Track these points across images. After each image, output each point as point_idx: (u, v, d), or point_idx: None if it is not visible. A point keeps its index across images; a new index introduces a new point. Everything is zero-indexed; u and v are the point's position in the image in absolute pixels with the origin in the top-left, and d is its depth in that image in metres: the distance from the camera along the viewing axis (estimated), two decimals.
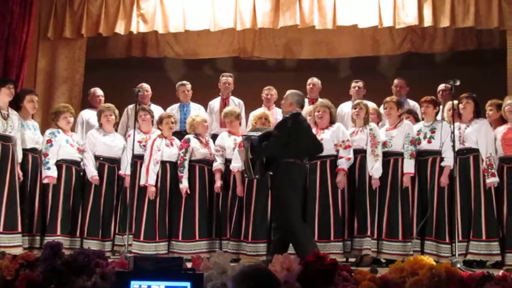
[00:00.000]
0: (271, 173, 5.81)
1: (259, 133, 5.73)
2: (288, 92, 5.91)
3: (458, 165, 5.81)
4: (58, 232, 6.27)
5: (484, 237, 5.86)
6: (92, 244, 6.21)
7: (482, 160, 5.99)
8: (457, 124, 6.01)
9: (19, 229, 6.06)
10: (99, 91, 7.60)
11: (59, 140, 6.43)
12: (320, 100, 6.85)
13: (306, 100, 7.52)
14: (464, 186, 5.92)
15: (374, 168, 6.11)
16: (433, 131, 6.18)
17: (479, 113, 6.17)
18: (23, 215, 6.13)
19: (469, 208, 5.95)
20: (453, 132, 5.76)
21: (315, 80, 7.69)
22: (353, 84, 7.57)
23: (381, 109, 6.77)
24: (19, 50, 7.16)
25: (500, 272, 3.83)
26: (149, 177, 6.36)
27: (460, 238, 5.74)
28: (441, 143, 6.05)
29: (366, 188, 6.15)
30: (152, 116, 6.78)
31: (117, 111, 6.78)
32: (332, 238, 6.05)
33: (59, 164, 6.40)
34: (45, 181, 6.34)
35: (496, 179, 5.94)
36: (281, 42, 8.98)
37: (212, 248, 6.37)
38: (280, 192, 5.59)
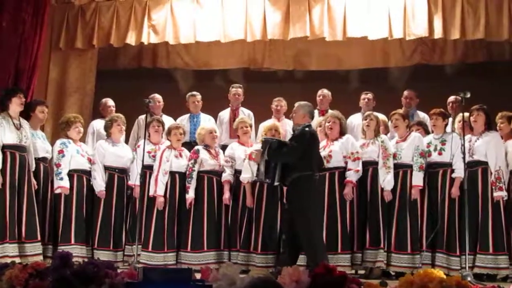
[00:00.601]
0: (285, 186, 5.85)
1: (277, 139, 5.83)
2: (298, 104, 5.92)
3: (467, 178, 5.78)
4: (73, 241, 6.30)
5: (491, 250, 5.82)
6: (103, 255, 6.24)
7: (491, 173, 5.95)
8: (468, 136, 6.00)
9: (39, 237, 6.13)
10: (110, 102, 7.64)
11: (70, 150, 6.47)
12: (330, 111, 6.85)
13: (316, 112, 7.54)
14: (472, 199, 5.86)
15: (386, 180, 6.10)
16: (443, 143, 6.15)
17: (490, 125, 6.12)
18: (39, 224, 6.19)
19: (476, 221, 5.90)
20: (463, 145, 5.73)
21: (325, 91, 7.70)
22: (362, 96, 7.58)
23: (389, 122, 6.77)
24: (31, 60, 7.20)
25: (511, 286, 3.80)
26: (158, 187, 6.38)
27: (468, 251, 5.70)
28: (451, 155, 6.03)
29: (378, 200, 6.14)
30: (164, 128, 6.80)
31: (125, 122, 6.83)
32: (339, 251, 6.03)
33: (70, 174, 6.44)
34: (58, 191, 6.38)
35: (503, 193, 5.88)
36: (291, 53, 9.00)
37: (220, 259, 6.35)
38: (301, 204, 5.57)
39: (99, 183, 6.49)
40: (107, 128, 6.75)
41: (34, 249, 6.06)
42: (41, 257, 5.99)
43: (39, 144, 6.41)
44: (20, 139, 6.12)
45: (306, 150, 5.62)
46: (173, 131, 6.62)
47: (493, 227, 5.86)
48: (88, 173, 6.55)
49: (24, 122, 6.29)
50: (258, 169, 5.81)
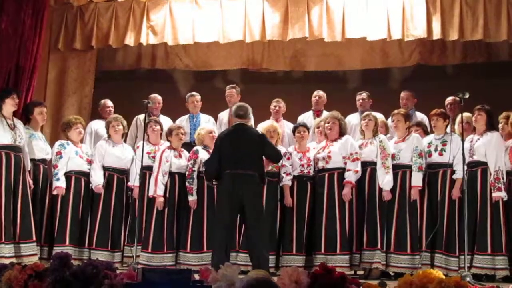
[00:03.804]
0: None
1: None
2: None
3: (467, 178, 5.78)
4: (67, 243, 6.30)
5: (489, 251, 5.81)
6: (101, 255, 6.24)
7: (490, 174, 5.94)
8: (470, 136, 6.01)
9: (34, 238, 6.11)
10: (109, 102, 7.65)
11: (68, 152, 6.46)
12: (329, 112, 6.84)
13: (311, 113, 7.56)
14: (471, 199, 5.84)
15: (386, 180, 6.09)
16: (444, 143, 6.15)
17: (492, 125, 6.09)
18: (36, 224, 6.18)
19: (475, 221, 5.90)
20: (462, 145, 5.73)
21: (320, 92, 7.71)
22: (357, 97, 7.58)
23: (389, 122, 6.76)
24: (30, 61, 7.21)
25: (510, 286, 3.80)
26: (158, 188, 6.38)
27: (466, 252, 5.69)
28: (451, 156, 6.03)
29: (376, 201, 6.13)
30: (162, 128, 6.80)
31: (125, 122, 6.80)
32: (338, 251, 6.04)
33: (68, 176, 6.44)
34: (55, 192, 6.37)
35: (502, 194, 5.86)
36: (289, 54, 8.99)
37: None
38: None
39: (95, 179, 6.47)
40: (106, 130, 6.78)
41: (29, 249, 6.03)
42: (36, 258, 5.98)
43: (39, 145, 6.41)
44: (14, 139, 6.10)
45: (218, 152, 5.79)
46: (174, 131, 6.62)
47: (491, 228, 5.84)
48: (86, 175, 6.54)
49: (18, 122, 6.27)
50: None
